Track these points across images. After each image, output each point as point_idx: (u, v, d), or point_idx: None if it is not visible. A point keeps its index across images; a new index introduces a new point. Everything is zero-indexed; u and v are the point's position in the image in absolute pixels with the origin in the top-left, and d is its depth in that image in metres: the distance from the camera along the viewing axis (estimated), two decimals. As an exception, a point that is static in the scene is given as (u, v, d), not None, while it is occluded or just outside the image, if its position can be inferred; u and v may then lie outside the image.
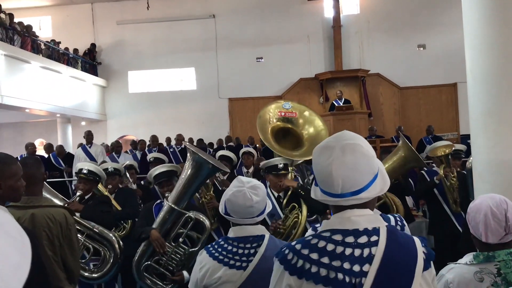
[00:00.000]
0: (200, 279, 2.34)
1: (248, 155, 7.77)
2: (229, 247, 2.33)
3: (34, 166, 2.98)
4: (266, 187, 4.30)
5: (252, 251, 2.30)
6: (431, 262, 1.55)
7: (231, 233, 2.39)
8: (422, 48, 15.95)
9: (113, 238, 4.03)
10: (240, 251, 2.31)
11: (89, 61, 16.44)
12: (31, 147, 9.95)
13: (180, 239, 3.80)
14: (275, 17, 16.08)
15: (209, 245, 2.41)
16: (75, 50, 15.92)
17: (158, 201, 4.17)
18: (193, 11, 16.51)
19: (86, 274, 3.95)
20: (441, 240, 5.59)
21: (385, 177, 1.60)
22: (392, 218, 2.49)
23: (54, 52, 14.49)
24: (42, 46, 14.03)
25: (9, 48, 11.82)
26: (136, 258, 3.86)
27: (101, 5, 16.91)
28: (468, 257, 2.14)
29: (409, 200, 6.45)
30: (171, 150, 11.72)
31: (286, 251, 1.56)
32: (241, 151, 8.27)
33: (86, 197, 4.39)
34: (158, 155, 7.28)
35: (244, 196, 2.30)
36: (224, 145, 13.39)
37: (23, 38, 12.78)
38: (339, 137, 1.58)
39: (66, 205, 3.92)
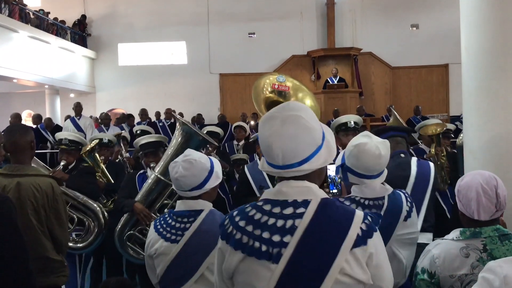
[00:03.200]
0: (145, 249, 2.43)
1: (240, 128, 8.10)
2: (169, 220, 2.37)
3: (18, 133, 2.92)
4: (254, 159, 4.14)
5: (188, 225, 2.32)
6: (371, 240, 1.51)
7: (177, 206, 2.42)
8: (415, 28, 15.86)
9: (98, 208, 4.02)
10: (177, 225, 2.34)
11: (78, 32, 16.16)
12: (14, 118, 9.57)
13: (166, 210, 3.78)
14: (268, -8, 15.88)
15: (158, 218, 2.47)
16: (64, 21, 15.64)
17: (142, 171, 4.15)
18: (185, -16, 16.24)
19: (71, 244, 3.94)
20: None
21: (330, 148, 1.59)
22: (402, 194, 2.49)
23: (43, 22, 14.20)
24: (31, 16, 13.74)
25: (-4, 16, 11.56)
26: (119, 227, 3.84)
27: (91, -25, 16.57)
28: (454, 233, 2.14)
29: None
30: (160, 124, 11.67)
31: (226, 219, 1.62)
32: (234, 124, 8.61)
33: (70, 166, 4.37)
34: (145, 128, 7.31)
35: (175, 168, 2.34)
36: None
37: (11, 6, 12.50)
38: (284, 108, 1.57)
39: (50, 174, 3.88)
